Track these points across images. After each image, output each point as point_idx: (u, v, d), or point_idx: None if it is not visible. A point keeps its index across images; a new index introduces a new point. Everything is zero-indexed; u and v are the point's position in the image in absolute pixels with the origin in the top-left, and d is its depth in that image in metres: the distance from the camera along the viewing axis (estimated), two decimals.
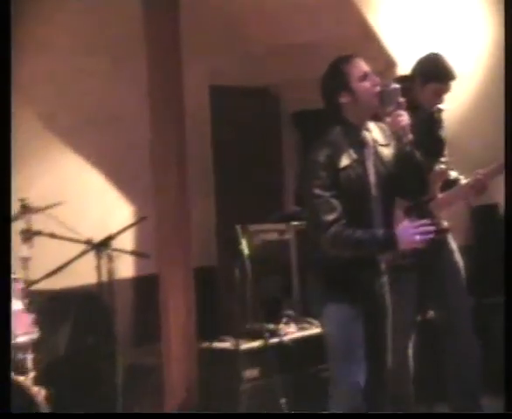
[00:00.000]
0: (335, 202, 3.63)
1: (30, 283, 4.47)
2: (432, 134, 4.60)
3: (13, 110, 5.30)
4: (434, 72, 4.54)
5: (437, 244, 4.06)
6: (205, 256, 6.07)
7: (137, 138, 5.64)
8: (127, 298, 5.77)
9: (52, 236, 4.57)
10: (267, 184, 6.74)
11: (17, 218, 4.54)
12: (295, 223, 5.42)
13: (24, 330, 4.32)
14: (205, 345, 4.94)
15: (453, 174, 4.68)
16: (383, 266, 3.86)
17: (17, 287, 4.35)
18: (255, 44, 6.28)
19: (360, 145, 3.75)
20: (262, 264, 5.17)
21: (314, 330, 4.78)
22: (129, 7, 5.41)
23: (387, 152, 3.81)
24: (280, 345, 4.81)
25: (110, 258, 4.60)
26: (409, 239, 3.56)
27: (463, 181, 4.66)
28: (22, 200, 4.57)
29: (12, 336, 4.23)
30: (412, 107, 4.13)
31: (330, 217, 3.62)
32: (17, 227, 4.53)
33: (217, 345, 4.87)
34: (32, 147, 5.49)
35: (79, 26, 5.65)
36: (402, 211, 4.21)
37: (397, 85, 3.77)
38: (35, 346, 4.41)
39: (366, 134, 3.79)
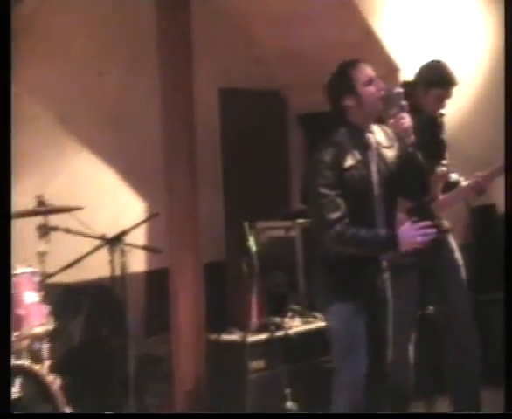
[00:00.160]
0: (339, 200, 3.64)
1: (46, 276, 4.47)
2: (434, 138, 4.60)
3: (31, 113, 5.36)
4: (437, 79, 4.54)
5: (437, 243, 4.06)
6: (214, 251, 6.07)
7: (149, 138, 5.65)
8: (138, 291, 5.78)
9: (68, 231, 4.57)
10: (274, 183, 6.74)
11: (34, 214, 4.55)
12: (301, 220, 5.42)
13: (40, 321, 4.31)
14: (214, 336, 4.95)
15: (454, 176, 4.67)
16: (384, 264, 3.86)
17: (33, 280, 4.37)
18: (264, 49, 6.28)
19: (364, 146, 3.76)
20: (269, 259, 5.17)
21: (319, 324, 4.78)
22: (142, 12, 5.42)
23: (390, 153, 3.81)
24: (286, 337, 4.82)
25: (123, 253, 4.60)
26: (410, 240, 3.57)
27: (463, 182, 4.66)
28: (39, 196, 4.57)
29: (29, 326, 4.25)
30: (416, 111, 4.15)
31: (334, 216, 3.62)
32: (34, 223, 4.54)
33: (225, 337, 4.87)
34: (49, 147, 5.52)
35: (94, 30, 5.66)
36: (404, 211, 4.20)
37: (399, 90, 3.77)
38: (50, 336, 4.41)
39: (370, 136, 3.80)
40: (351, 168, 3.68)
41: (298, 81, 6.38)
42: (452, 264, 4.62)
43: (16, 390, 3.98)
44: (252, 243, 4.67)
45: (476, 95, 5.99)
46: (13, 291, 4.23)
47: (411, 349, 4.56)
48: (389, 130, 3.84)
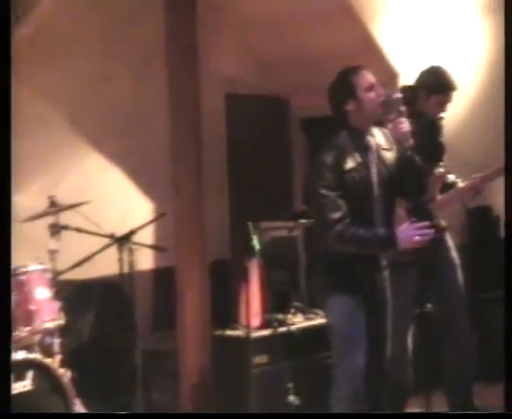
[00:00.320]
0: (340, 201, 3.64)
1: (57, 273, 4.48)
2: (433, 141, 4.60)
3: (44, 117, 5.36)
4: (437, 85, 4.54)
5: (435, 242, 4.05)
6: (219, 250, 6.06)
7: (157, 141, 5.64)
8: (146, 289, 5.77)
9: (78, 230, 4.57)
10: (277, 184, 6.74)
11: (46, 214, 4.55)
12: (303, 220, 5.42)
13: (51, 316, 4.32)
14: (218, 332, 4.94)
15: (451, 177, 4.67)
16: (384, 262, 3.86)
17: (45, 277, 4.37)
18: (268, 56, 6.28)
19: (364, 149, 3.76)
20: (272, 258, 5.16)
21: (320, 320, 4.77)
22: (151, 21, 5.42)
23: (389, 155, 3.82)
24: (288, 333, 4.81)
25: (131, 251, 4.60)
26: (409, 240, 3.58)
27: (460, 184, 4.66)
28: (50, 197, 4.58)
29: (40, 321, 4.25)
30: (417, 115, 4.16)
31: (336, 216, 3.62)
32: (45, 222, 4.55)
33: (230, 332, 4.87)
34: (60, 149, 5.52)
35: (103, 38, 5.66)
36: (404, 211, 4.20)
37: (398, 95, 3.77)
38: (61, 331, 4.41)
39: (370, 139, 3.80)
40: (352, 170, 3.69)
41: (301, 87, 6.38)
42: (449, 262, 4.62)
43: (27, 383, 3.98)
44: (255, 242, 4.65)
45: (472, 101, 5.98)
46: (25, 287, 4.24)
47: (409, 346, 4.56)
48: (388, 133, 3.84)
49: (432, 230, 3.58)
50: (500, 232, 5.97)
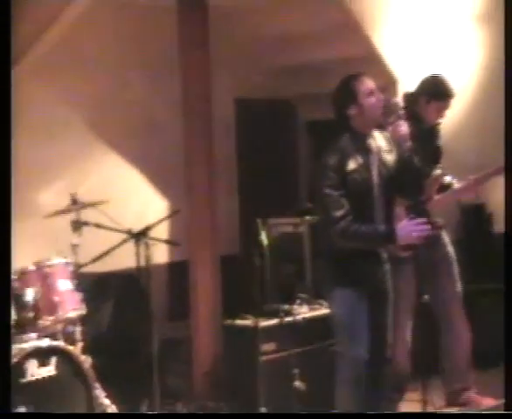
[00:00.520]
0: (343, 200, 3.67)
1: (79, 266, 4.51)
2: (431, 144, 4.61)
3: (66, 121, 5.41)
4: (436, 92, 4.55)
5: (432, 238, 4.08)
6: (230, 245, 6.09)
7: (171, 143, 5.66)
8: (161, 281, 5.80)
9: (98, 226, 4.60)
10: (284, 183, 6.76)
11: (68, 211, 4.60)
12: (308, 217, 5.43)
13: (73, 306, 4.36)
14: (229, 322, 4.96)
15: (448, 178, 4.69)
16: (385, 256, 3.88)
17: (67, 269, 4.41)
18: (276, 63, 6.29)
19: (366, 151, 3.78)
20: (279, 252, 5.19)
21: (324, 310, 4.79)
22: (165, 29, 5.45)
23: (389, 157, 3.84)
24: (294, 323, 4.83)
25: (147, 246, 4.61)
26: (407, 236, 3.60)
27: (456, 185, 4.67)
28: (72, 195, 4.62)
29: (63, 311, 4.29)
30: (416, 121, 4.19)
31: (339, 213, 3.65)
32: (68, 218, 4.59)
33: (240, 322, 4.89)
34: (82, 151, 5.56)
35: (121, 47, 5.70)
36: (403, 209, 4.23)
37: (397, 100, 3.80)
38: (82, 320, 4.45)
39: (371, 142, 3.82)
40: (354, 171, 3.71)
41: (307, 92, 6.40)
42: (445, 257, 4.64)
43: (52, 368, 4.03)
44: (264, 237, 4.67)
45: (469, 104, 5.97)
46: (49, 279, 4.29)
47: (408, 335, 4.58)
48: (388, 135, 3.87)
49: (429, 226, 3.61)
50: (493, 228, 5.98)
